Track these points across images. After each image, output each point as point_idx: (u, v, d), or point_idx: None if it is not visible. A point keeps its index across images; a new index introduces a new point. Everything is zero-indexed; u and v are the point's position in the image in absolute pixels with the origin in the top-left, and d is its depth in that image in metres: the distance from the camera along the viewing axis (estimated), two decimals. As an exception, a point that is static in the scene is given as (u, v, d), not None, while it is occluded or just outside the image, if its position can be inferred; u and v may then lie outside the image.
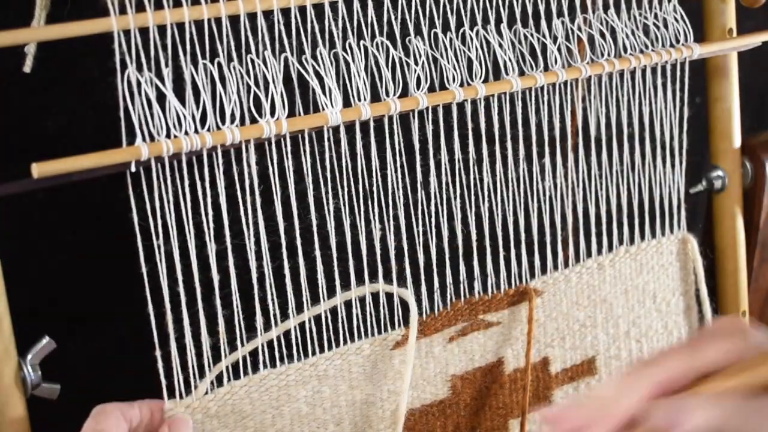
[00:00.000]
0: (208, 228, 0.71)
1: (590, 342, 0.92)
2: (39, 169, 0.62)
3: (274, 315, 0.74)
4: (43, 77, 0.70)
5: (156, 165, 0.67)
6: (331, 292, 0.77)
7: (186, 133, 0.67)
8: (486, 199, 0.83)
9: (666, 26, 0.88)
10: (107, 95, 0.68)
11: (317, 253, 0.75)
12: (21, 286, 0.70)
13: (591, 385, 0.93)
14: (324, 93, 0.72)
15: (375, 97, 0.74)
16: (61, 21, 0.65)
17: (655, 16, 0.88)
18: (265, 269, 0.73)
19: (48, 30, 0.65)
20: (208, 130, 0.68)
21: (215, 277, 0.72)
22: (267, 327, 0.74)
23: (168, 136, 0.66)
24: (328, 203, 0.75)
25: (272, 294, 0.74)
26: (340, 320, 0.78)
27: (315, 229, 0.75)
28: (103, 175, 0.83)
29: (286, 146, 0.72)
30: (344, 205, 0.76)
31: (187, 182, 0.69)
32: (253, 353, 0.74)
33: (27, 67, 0.67)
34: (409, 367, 0.79)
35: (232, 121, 0.69)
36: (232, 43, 0.69)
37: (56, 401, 0.71)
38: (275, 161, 0.72)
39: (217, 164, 0.70)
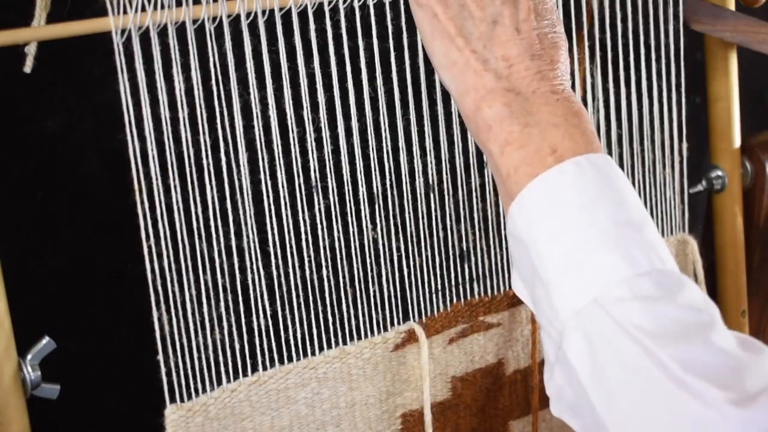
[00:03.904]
0: (208, 229, 0.71)
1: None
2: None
3: (273, 313, 0.74)
4: (43, 77, 0.70)
5: (158, 163, 0.67)
6: (323, 294, 0.77)
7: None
8: (485, 199, 0.83)
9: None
10: (107, 95, 0.68)
11: (321, 255, 0.76)
12: (21, 286, 0.70)
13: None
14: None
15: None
16: (61, 21, 0.65)
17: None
18: (272, 270, 0.74)
19: (48, 30, 0.65)
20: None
21: (219, 280, 0.72)
22: (267, 328, 0.74)
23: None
24: (319, 204, 0.75)
25: (280, 296, 0.74)
26: (339, 322, 0.78)
27: (308, 232, 0.75)
28: (105, 175, 0.84)
29: (276, 146, 0.72)
30: (335, 206, 0.76)
31: (189, 184, 0.69)
32: (253, 355, 0.74)
33: (27, 67, 0.67)
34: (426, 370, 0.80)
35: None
36: None
37: (56, 401, 0.71)
38: (266, 161, 0.72)
39: (211, 171, 0.70)
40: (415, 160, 0.79)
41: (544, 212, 0.55)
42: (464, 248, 0.83)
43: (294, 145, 0.73)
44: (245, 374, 0.74)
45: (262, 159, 0.72)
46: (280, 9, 0.69)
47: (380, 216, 0.78)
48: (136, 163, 0.67)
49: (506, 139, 0.57)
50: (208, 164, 0.70)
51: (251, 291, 0.73)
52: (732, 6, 0.97)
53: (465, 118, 0.59)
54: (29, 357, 0.69)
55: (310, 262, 0.75)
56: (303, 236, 0.75)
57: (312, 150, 0.74)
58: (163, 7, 0.66)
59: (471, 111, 0.58)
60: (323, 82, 0.73)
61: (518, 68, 0.57)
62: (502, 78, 0.57)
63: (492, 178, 0.83)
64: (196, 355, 0.71)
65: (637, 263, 0.53)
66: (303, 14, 0.71)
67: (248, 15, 0.68)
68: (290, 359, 0.76)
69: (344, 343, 0.78)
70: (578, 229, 0.54)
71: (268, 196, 0.73)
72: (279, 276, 0.74)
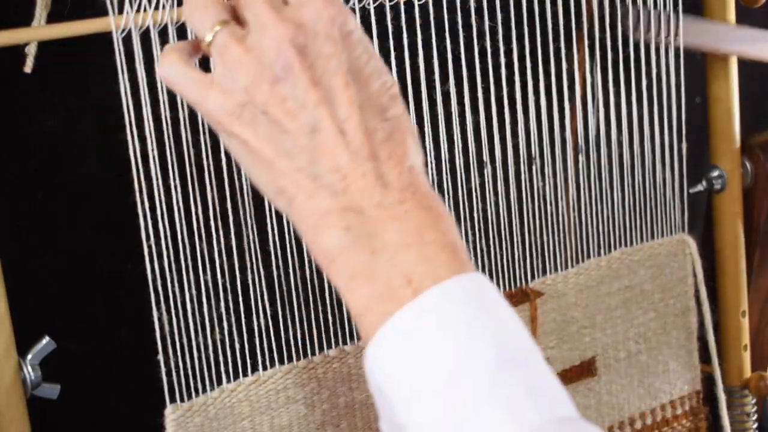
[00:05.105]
0: (208, 229, 0.71)
1: (589, 343, 0.92)
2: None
3: (273, 313, 0.74)
4: (43, 77, 0.70)
5: (159, 163, 0.67)
6: (323, 294, 0.77)
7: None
8: (486, 199, 0.83)
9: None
10: (107, 95, 0.68)
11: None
12: (21, 286, 0.70)
13: (590, 386, 0.93)
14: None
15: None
16: (61, 21, 0.65)
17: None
18: (274, 270, 0.74)
19: (48, 30, 0.65)
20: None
21: (219, 280, 0.72)
22: (267, 328, 0.74)
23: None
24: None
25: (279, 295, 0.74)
26: (339, 322, 0.78)
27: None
28: (105, 175, 0.84)
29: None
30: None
31: (189, 184, 0.69)
32: (253, 355, 0.74)
33: (27, 67, 0.67)
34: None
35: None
36: None
37: (56, 401, 0.71)
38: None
39: (211, 171, 0.70)
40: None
41: (404, 361, 0.45)
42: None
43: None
44: (245, 374, 0.74)
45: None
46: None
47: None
48: (136, 163, 0.67)
49: (351, 273, 0.47)
50: (208, 164, 0.70)
51: (251, 291, 0.73)
52: (732, 7, 0.97)
53: (309, 250, 0.50)
54: (29, 357, 0.69)
55: (310, 262, 0.75)
56: (297, 237, 0.75)
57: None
58: (163, 7, 0.66)
59: (310, 241, 0.49)
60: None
61: (354, 178, 0.48)
62: (338, 194, 0.48)
63: (492, 177, 0.83)
64: (196, 355, 0.71)
65: (526, 419, 0.44)
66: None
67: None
68: (290, 359, 0.76)
69: (344, 343, 0.78)
70: (450, 381, 0.44)
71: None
72: (279, 276, 0.74)
